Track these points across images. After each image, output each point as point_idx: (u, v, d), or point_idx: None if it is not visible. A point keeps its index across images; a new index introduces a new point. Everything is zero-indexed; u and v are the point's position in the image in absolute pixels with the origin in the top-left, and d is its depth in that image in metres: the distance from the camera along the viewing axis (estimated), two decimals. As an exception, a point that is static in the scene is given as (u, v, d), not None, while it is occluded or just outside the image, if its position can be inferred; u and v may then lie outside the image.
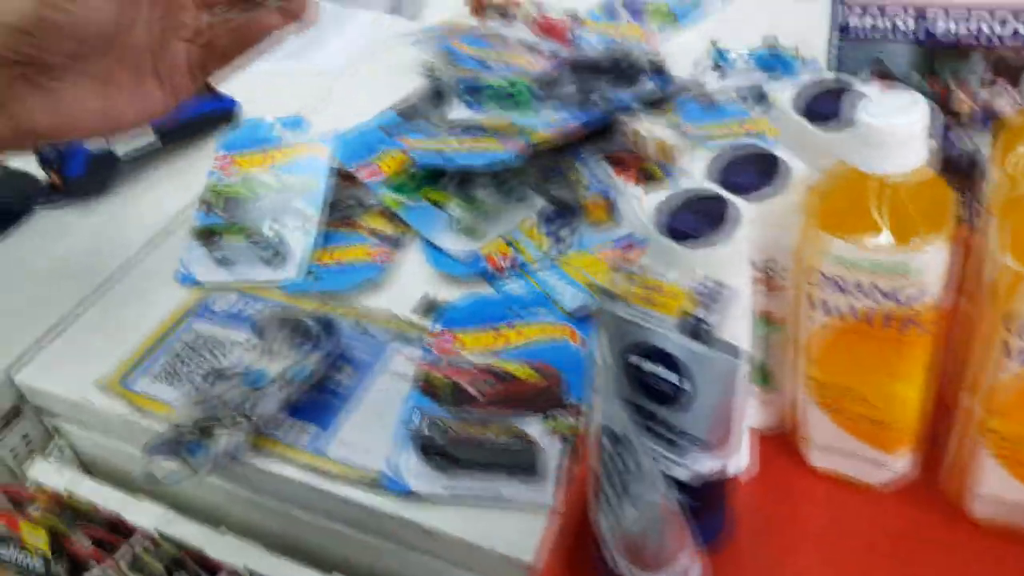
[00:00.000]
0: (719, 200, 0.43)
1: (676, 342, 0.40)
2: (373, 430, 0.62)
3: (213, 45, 0.54)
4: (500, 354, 0.65)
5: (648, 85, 0.89)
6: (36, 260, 0.86)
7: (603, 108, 0.86)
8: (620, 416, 0.40)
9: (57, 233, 0.90)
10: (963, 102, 0.56)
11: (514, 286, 0.73)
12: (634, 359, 0.42)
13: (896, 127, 0.37)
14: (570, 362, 0.64)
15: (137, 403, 0.67)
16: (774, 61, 0.93)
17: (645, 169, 0.83)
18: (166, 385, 0.69)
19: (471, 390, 0.62)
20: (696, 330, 0.40)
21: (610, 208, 0.76)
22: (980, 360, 0.42)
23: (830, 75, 0.49)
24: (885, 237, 0.39)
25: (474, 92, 0.89)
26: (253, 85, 1.10)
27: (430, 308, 0.71)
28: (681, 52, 0.97)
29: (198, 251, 0.80)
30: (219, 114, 1.04)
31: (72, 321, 0.78)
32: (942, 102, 0.57)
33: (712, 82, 0.93)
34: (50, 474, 0.71)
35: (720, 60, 0.94)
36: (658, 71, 0.91)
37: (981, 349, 0.42)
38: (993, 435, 0.43)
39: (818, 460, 0.52)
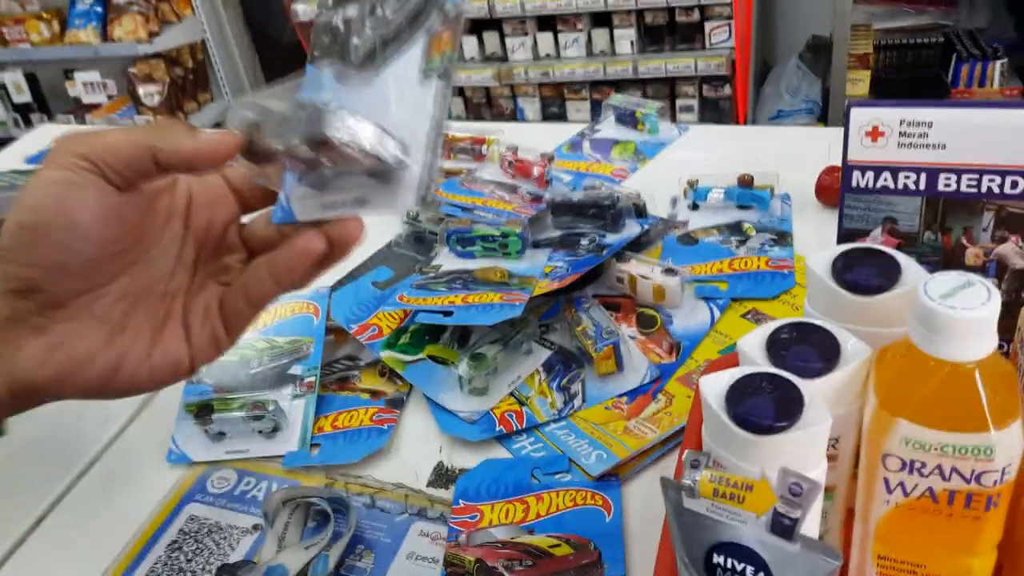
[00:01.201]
0: (785, 384, 0.43)
1: (762, 540, 0.39)
2: (405, 620, 0.58)
3: (249, 288, 0.44)
4: (528, 527, 0.63)
5: (634, 228, 0.90)
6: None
7: (594, 252, 0.87)
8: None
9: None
10: (974, 255, 0.57)
11: (527, 445, 0.71)
12: (716, 556, 0.41)
13: (976, 319, 0.37)
14: (603, 532, 0.62)
15: (140, 605, 0.63)
16: (747, 197, 0.95)
17: (642, 312, 0.83)
18: (168, 580, 0.64)
19: (505, 573, 0.59)
20: (782, 528, 0.39)
21: (618, 358, 0.76)
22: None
23: (852, 237, 0.50)
24: (967, 420, 0.39)
25: (464, 241, 0.89)
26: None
27: (447, 479, 0.69)
28: (653, 185, 0.99)
29: (190, 427, 0.76)
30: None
31: (48, 512, 0.72)
32: (952, 255, 0.58)
33: (691, 219, 0.95)
34: None
35: (697, 198, 0.96)
36: (640, 213, 0.93)
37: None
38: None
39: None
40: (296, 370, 0.81)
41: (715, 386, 0.44)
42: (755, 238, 0.90)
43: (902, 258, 0.48)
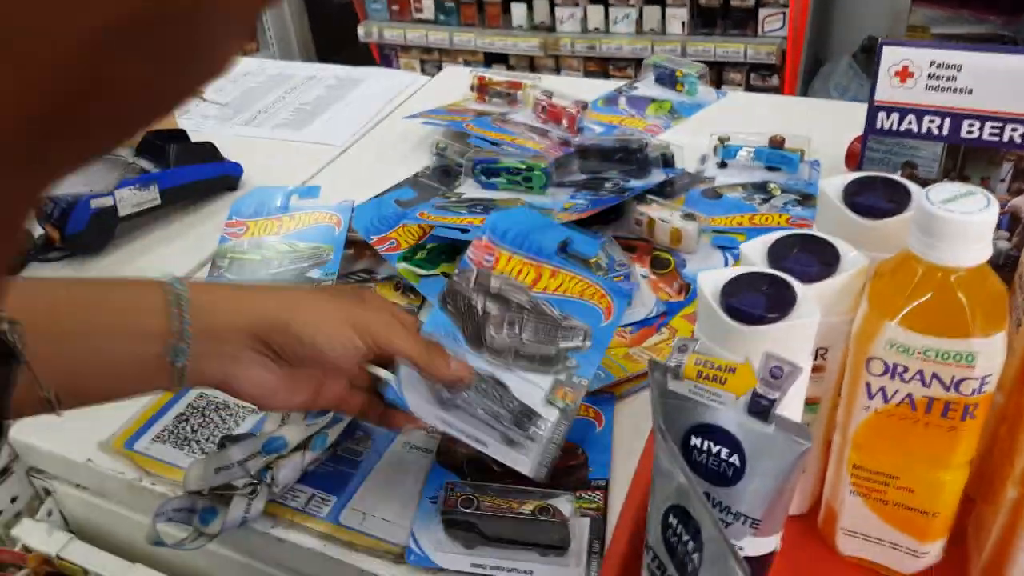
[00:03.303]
0: (779, 282, 0.44)
1: (739, 422, 0.41)
2: (392, 501, 0.60)
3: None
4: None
5: (659, 175, 0.91)
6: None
7: (616, 193, 0.88)
8: (690, 494, 0.40)
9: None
10: (989, 205, 0.58)
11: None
12: (692, 437, 0.42)
13: (972, 222, 0.38)
14: (593, 440, 0.63)
15: (144, 465, 0.65)
16: (776, 158, 0.96)
17: (657, 255, 0.84)
18: (173, 447, 0.66)
19: (494, 467, 0.61)
20: (760, 409, 0.40)
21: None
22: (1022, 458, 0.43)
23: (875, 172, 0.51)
24: (953, 326, 0.40)
25: (490, 172, 0.90)
26: (258, 152, 1.11)
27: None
28: (684, 142, 1.00)
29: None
30: (223, 179, 1.04)
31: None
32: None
33: (717, 175, 0.96)
34: (40, 536, 0.68)
35: (726, 156, 0.97)
36: (667, 162, 0.93)
37: (1022, 448, 0.43)
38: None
39: (846, 547, 0.52)
40: (314, 274, 0.83)
41: (712, 281, 0.45)
42: (779, 198, 0.90)
43: (914, 188, 0.49)
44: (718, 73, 2.59)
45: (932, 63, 0.55)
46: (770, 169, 0.95)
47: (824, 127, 1.04)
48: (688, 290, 0.79)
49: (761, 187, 0.93)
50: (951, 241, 0.39)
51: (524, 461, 0.57)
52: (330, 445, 0.63)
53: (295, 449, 0.61)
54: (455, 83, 1.21)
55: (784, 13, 2.40)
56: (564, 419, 0.58)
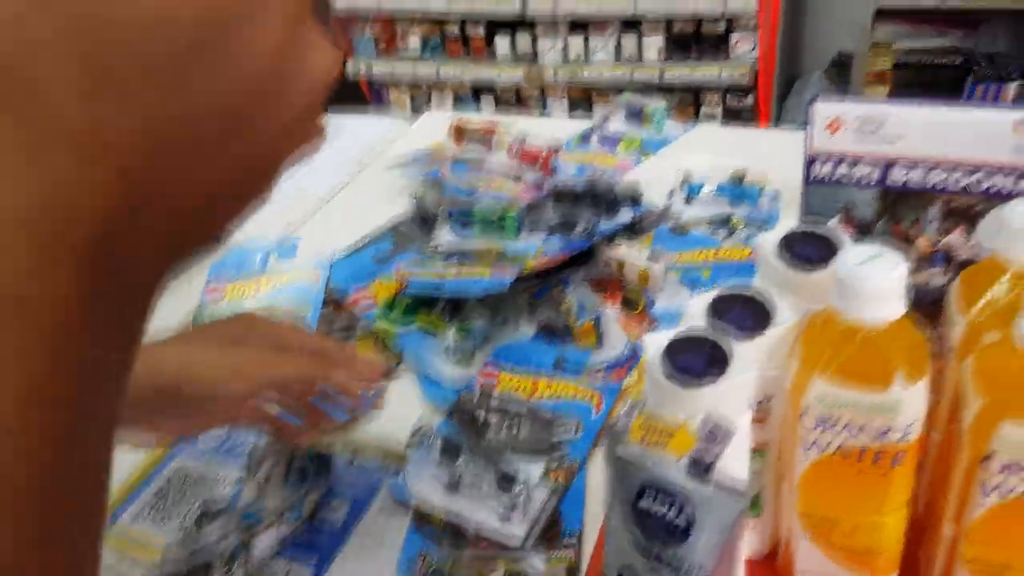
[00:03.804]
0: (716, 342, 0.47)
1: (682, 483, 0.43)
2: (369, 571, 0.62)
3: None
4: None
5: (627, 215, 0.94)
6: None
7: (586, 236, 0.91)
8: (636, 559, 0.42)
9: None
10: (923, 244, 0.61)
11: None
12: (641, 500, 0.45)
13: (883, 283, 0.41)
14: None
15: (120, 545, 0.66)
16: (739, 192, 0.99)
17: (627, 295, 0.87)
18: (151, 524, 0.67)
19: (467, 528, 0.63)
20: (699, 469, 0.43)
21: (598, 333, 0.80)
22: (959, 494, 0.45)
23: (809, 223, 0.53)
24: (874, 380, 0.42)
25: (464, 219, 0.93)
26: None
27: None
28: (652, 178, 1.03)
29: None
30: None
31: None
32: (903, 243, 0.62)
33: (684, 211, 0.99)
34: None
35: (691, 192, 1.00)
36: (635, 201, 0.96)
37: (959, 484, 0.45)
38: (975, 564, 0.46)
39: (806, 586, 0.54)
40: (295, 332, 0.85)
41: (656, 343, 0.48)
42: (742, 231, 0.93)
43: (844, 239, 0.52)
44: (696, 96, 2.63)
45: (860, 117, 0.58)
46: (733, 203, 0.98)
47: (787, 157, 1.07)
48: (658, 328, 0.82)
49: (724, 221, 0.96)
50: (866, 300, 0.42)
51: (516, 536, 0.62)
52: (307, 515, 0.65)
53: (271, 521, 0.64)
54: (435, 126, 1.24)
55: (754, 35, 2.45)
56: (555, 495, 0.65)
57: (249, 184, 0.28)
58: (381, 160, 1.23)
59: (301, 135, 0.29)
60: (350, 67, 2.98)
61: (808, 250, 0.52)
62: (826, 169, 0.61)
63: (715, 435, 0.43)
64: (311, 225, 1.10)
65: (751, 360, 0.47)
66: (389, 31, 2.93)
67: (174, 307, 0.94)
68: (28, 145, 0.21)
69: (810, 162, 0.61)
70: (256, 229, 1.06)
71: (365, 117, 1.49)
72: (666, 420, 0.45)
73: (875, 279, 0.41)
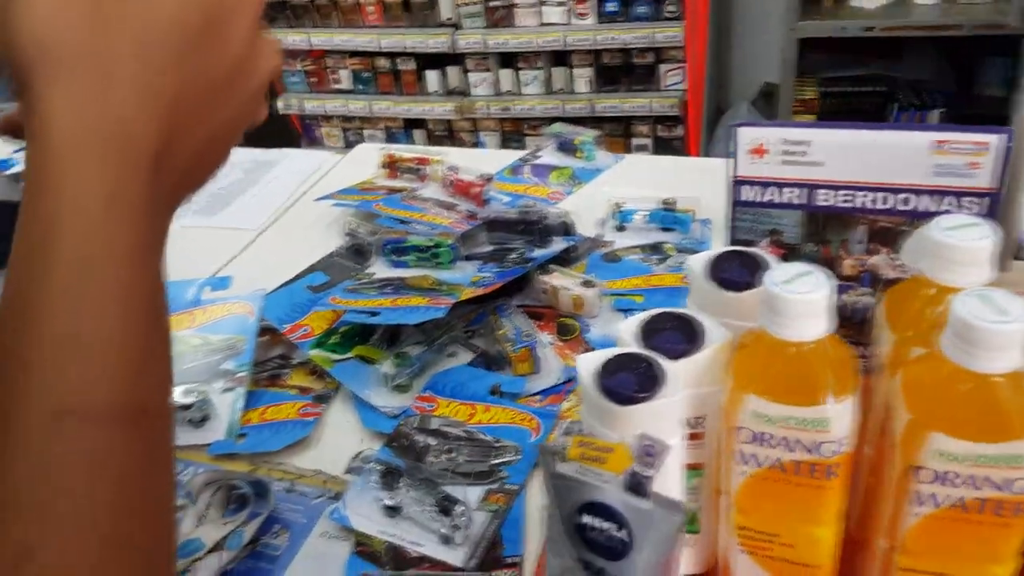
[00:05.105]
0: (649, 362, 0.47)
1: (620, 498, 0.44)
2: (311, 596, 0.61)
3: None
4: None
5: (560, 244, 0.95)
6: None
7: (520, 264, 0.91)
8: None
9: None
10: (850, 265, 0.63)
11: (444, 440, 0.75)
12: (582, 516, 0.45)
13: (810, 301, 0.42)
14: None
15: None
16: (670, 219, 1.01)
17: (562, 322, 0.87)
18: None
19: (408, 552, 0.63)
20: (638, 486, 0.43)
21: (534, 360, 0.80)
22: (891, 506, 0.46)
23: (737, 246, 0.55)
24: (805, 395, 0.43)
25: (399, 251, 0.93)
26: (171, 243, 1.12)
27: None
28: (584, 207, 1.04)
29: (121, 415, 0.79)
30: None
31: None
32: (830, 265, 0.64)
33: (616, 239, 1.00)
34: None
35: (623, 220, 1.02)
36: (568, 230, 0.97)
37: (890, 496, 0.46)
38: (910, 574, 0.47)
39: (745, 601, 0.54)
40: (228, 365, 0.84)
41: (590, 363, 0.48)
42: (674, 257, 0.95)
43: (771, 260, 0.53)
44: (626, 127, 2.68)
45: (784, 140, 0.60)
46: (664, 230, 1.00)
47: (716, 184, 1.09)
48: (593, 356, 0.82)
49: (657, 248, 0.97)
50: (794, 318, 0.43)
51: (458, 556, 0.62)
52: (247, 542, 0.64)
53: (212, 550, 0.62)
54: (367, 159, 1.24)
55: (683, 67, 2.51)
56: (496, 518, 0.65)
57: (228, 137, 0.41)
58: (312, 194, 1.22)
59: (255, 106, 0.43)
60: (281, 103, 2.96)
61: (736, 272, 0.53)
62: (751, 193, 0.62)
63: (651, 452, 0.43)
64: (244, 259, 1.08)
65: (684, 379, 0.47)
66: (320, 66, 2.93)
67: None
68: (105, 91, 0.35)
69: (736, 185, 0.62)
70: (188, 265, 1.04)
71: (296, 151, 1.48)
72: (603, 438, 0.46)
73: (802, 297, 0.43)
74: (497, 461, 0.70)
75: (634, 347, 0.50)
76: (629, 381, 0.46)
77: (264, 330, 0.88)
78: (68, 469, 0.33)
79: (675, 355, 0.48)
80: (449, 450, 0.71)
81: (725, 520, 0.52)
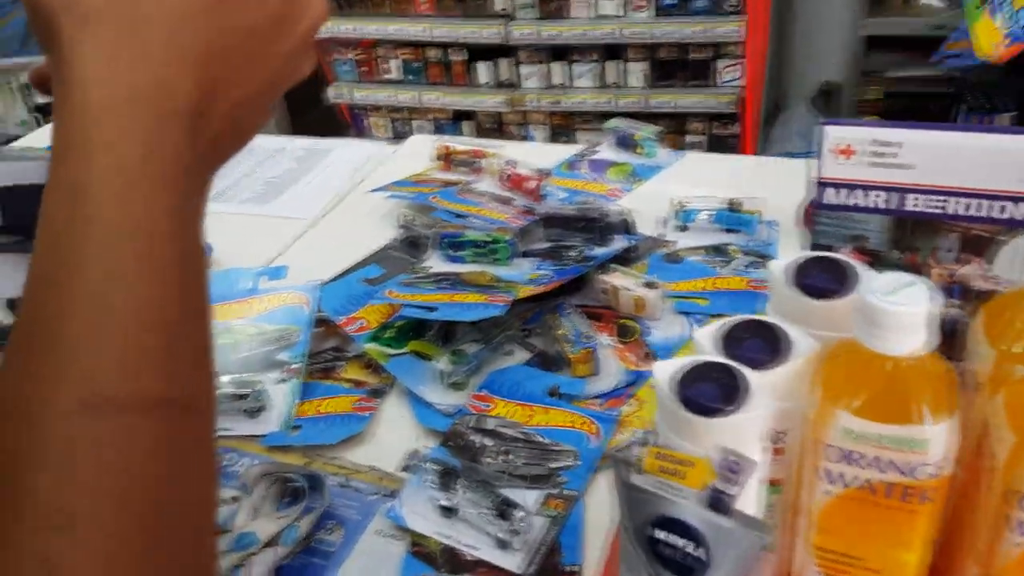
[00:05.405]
0: (733, 372, 0.45)
1: (699, 515, 0.41)
2: (366, 595, 0.60)
3: None
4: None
5: (621, 242, 0.93)
6: None
7: (579, 263, 0.89)
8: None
9: None
10: (938, 275, 0.59)
11: (501, 441, 0.73)
12: (656, 531, 0.43)
13: (914, 314, 0.39)
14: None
15: None
16: (735, 220, 0.98)
17: (622, 323, 0.85)
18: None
19: (465, 555, 0.61)
20: (719, 503, 0.41)
21: (594, 362, 0.78)
22: (986, 532, 0.43)
23: (822, 251, 0.52)
24: (904, 414, 0.41)
25: (455, 246, 0.91)
26: (227, 229, 1.11)
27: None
28: (644, 206, 1.02)
29: (175, 402, 0.78)
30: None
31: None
32: (916, 274, 0.60)
33: (678, 239, 0.98)
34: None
35: (686, 220, 0.99)
36: (628, 229, 0.95)
37: (985, 521, 0.43)
38: (1002, 604, 0.44)
39: (818, 624, 0.52)
40: (283, 356, 0.83)
41: (667, 371, 0.46)
42: (739, 260, 0.92)
43: (860, 268, 0.50)
44: (680, 124, 2.63)
45: (873, 141, 0.57)
46: (729, 231, 0.97)
47: (782, 185, 1.06)
48: (654, 357, 0.80)
49: (721, 250, 0.94)
50: (896, 332, 0.40)
51: (515, 562, 0.60)
52: (302, 538, 0.62)
53: (267, 545, 0.61)
54: (421, 151, 1.22)
55: (741, 63, 2.46)
56: (554, 524, 0.63)
57: (270, 92, 0.40)
58: (366, 184, 1.21)
59: (301, 58, 0.41)
60: (331, 92, 2.97)
61: (822, 279, 0.50)
62: (836, 195, 0.60)
63: (735, 468, 0.41)
64: (297, 249, 1.08)
65: (767, 391, 0.45)
66: (370, 56, 2.92)
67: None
68: (132, 45, 0.33)
69: (821, 188, 0.60)
70: (241, 252, 1.03)
71: (349, 141, 1.47)
72: (679, 450, 0.43)
73: (906, 310, 0.40)
74: (555, 465, 0.68)
75: (714, 355, 0.47)
76: (711, 392, 0.44)
77: (319, 321, 0.87)
78: (97, 470, 0.29)
79: (759, 365, 0.46)
80: (506, 451, 0.69)
81: (803, 539, 0.49)
